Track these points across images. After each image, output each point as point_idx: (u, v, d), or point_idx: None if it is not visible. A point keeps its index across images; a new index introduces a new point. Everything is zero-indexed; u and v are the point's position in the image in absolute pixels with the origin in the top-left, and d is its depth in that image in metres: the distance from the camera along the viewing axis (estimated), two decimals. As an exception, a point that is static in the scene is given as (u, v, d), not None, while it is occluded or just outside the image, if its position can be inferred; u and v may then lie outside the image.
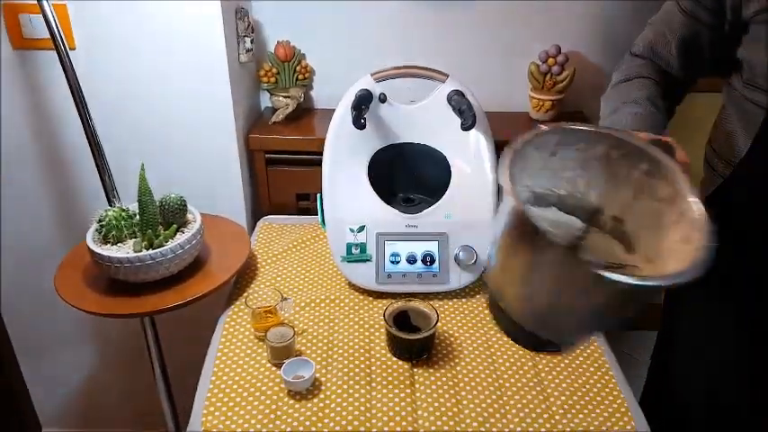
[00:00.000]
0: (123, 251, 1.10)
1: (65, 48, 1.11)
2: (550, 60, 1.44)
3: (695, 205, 0.64)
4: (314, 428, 0.90)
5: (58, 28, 1.10)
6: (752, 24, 0.84)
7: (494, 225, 0.71)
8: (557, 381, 0.98)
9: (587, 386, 0.97)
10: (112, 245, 1.13)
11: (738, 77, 0.90)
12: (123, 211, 1.14)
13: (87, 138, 1.17)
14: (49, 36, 1.10)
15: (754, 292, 0.93)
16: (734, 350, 0.98)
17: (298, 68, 1.49)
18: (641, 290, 0.58)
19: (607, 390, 0.96)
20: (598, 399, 0.95)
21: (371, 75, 1.20)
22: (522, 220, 0.61)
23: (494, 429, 0.90)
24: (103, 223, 1.12)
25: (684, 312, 1.05)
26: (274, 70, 1.47)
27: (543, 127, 0.70)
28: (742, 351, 0.97)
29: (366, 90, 1.18)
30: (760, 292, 0.92)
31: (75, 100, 1.14)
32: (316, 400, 0.95)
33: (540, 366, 1.01)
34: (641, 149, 0.70)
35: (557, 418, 0.91)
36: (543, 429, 0.90)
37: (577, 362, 1.02)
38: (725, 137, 0.94)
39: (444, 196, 1.17)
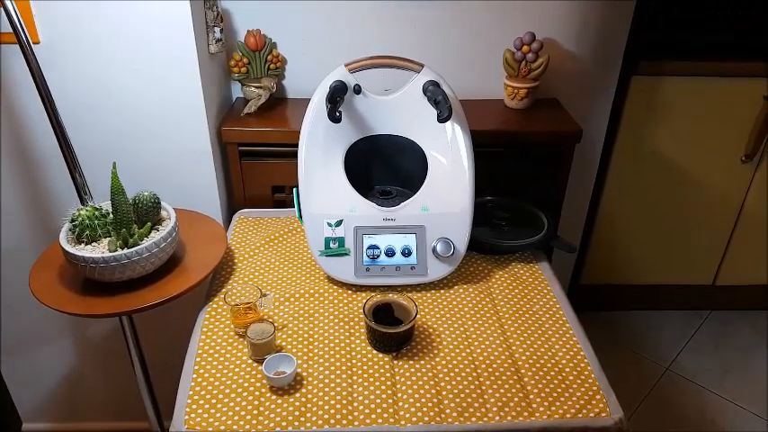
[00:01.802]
0: (98, 251, 1.09)
1: (28, 42, 1.08)
2: (525, 48, 1.45)
3: None
4: (297, 423, 0.91)
5: (19, 21, 1.06)
6: None
7: None
8: (533, 369, 1.01)
9: (563, 374, 1.00)
10: (86, 244, 1.11)
11: None
12: (96, 209, 1.12)
13: (56, 135, 1.14)
14: (11, 30, 1.07)
15: None
16: None
17: (269, 58, 1.47)
18: None
19: (582, 377, 0.99)
20: (574, 386, 0.97)
21: (345, 65, 1.19)
22: None
23: (473, 418, 0.92)
24: (76, 223, 1.10)
25: None
26: (245, 60, 1.45)
27: None
28: None
29: (340, 81, 1.17)
30: None
31: (41, 96, 1.11)
32: (298, 395, 0.96)
33: (517, 356, 1.03)
34: None
35: (534, 406, 0.94)
36: (521, 417, 0.92)
37: (553, 350, 1.05)
38: None
39: (421, 189, 1.18)
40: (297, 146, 1.18)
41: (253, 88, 1.46)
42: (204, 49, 1.31)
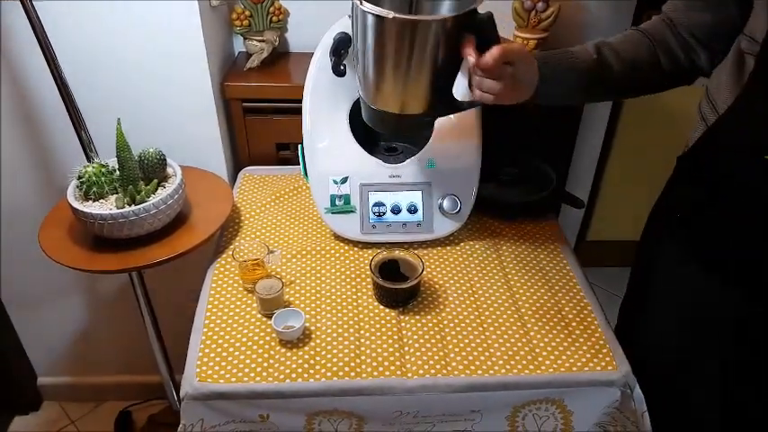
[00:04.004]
0: (106, 207, 1.09)
1: (28, -3, 1.06)
2: (534, -3, 1.40)
3: None
4: (306, 375, 0.93)
5: (18, -25, 1.04)
6: None
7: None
8: (540, 323, 1.02)
9: (570, 328, 1.01)
10: (94, 201, 1.11)
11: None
12: (103, 166, 1.12)
13: (60, 92, 1.13)
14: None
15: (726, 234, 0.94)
16: (703, 294, 0.97)
17: (271, 10, 1.44)
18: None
19: (589, 331, 1.00)
20: (581, 340, 0.98)
21: (349, 17, 1.16)
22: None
23: (479, 371, 0.93)
24: (83, 180, 1.10)
25: (655, 251, 1.06)
26: (247, 13, 1.42)
27: None
28: (710, 296, 0.96)
29: (344, 33, 1.14)
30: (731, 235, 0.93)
31: (43, 53, 1.09)
32: (307, 348, 0.97)
33: (523, 311, 1.04)
34: None
35: (540, 359, 0.95)
36: (527, 371, 0.93)
37: (559, 305, 1.05)
38: (716, 86, 0.93)
39: (427, 144, 1.16)
40: (301, 101, 1.17)
41: (255, 42, 1.43)
42: (206, 1, 1.28)
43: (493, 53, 0.82)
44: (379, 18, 0.83)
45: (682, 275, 0.98)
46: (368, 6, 0.83)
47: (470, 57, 0.84)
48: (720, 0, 0.89)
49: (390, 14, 0.82)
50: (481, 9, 0.86)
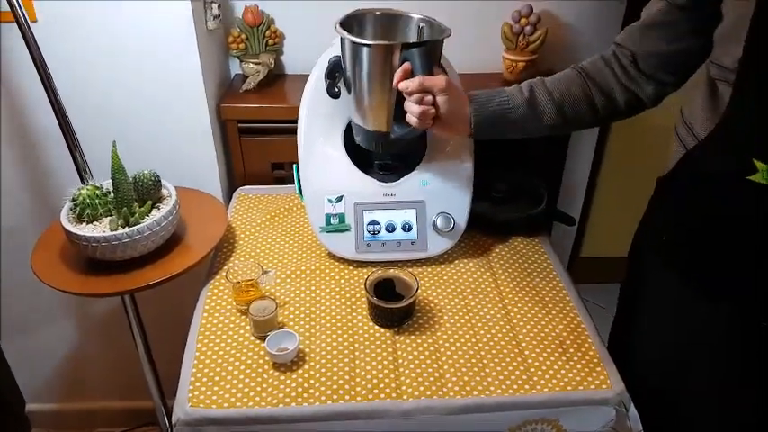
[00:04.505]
0: (99, 230, 1.09)
1: (25, 21, 1.07)
2: (523, 20, 1.43)
3: None
4: (300, 399, 0.92)
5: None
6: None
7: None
8: (534, 342, 1.01)
9: (564, 347, 1.00)
10: (88, 223, 1.11)
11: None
12: (97, 188, 1.12)
13: (56, 114, 1.13)
14: (8, 8, 1.05)
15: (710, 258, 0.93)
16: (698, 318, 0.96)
17: (267, 33, 1.45)
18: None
19: (583, 350, 1.00)
20: (575, 358, 0.98)
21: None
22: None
23: (474, 392, 0.93)
24: (77, 202, 1.10)
25: (641, 272, 1.07)
26: (243, 36, 1.43)
27: None
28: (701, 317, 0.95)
29: (338, 57, 1.16)
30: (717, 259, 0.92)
31: (40, 75, 1.10)
32: (300, 371, 0.97)
33: (518, 329, 1.04)
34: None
35: (535, 379, 0.95)
36: (522, 390, 0.93)
37: (553, 323, 1.05)
38: (690, 111, 0.93)
39: (421, 163, 1.17)
40: (296, 122, 1.18)
41: (251, 64, 1.45)
42: (202, 25, 1.30)
43: (414, 80, 0.95)
44: (344, 41, 1.03)
45: (669, 297, 0.99)
46: (341, 31, 1.02)
47: (395, 78, 0.97)
48: (677, 31, 0.91)
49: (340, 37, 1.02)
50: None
